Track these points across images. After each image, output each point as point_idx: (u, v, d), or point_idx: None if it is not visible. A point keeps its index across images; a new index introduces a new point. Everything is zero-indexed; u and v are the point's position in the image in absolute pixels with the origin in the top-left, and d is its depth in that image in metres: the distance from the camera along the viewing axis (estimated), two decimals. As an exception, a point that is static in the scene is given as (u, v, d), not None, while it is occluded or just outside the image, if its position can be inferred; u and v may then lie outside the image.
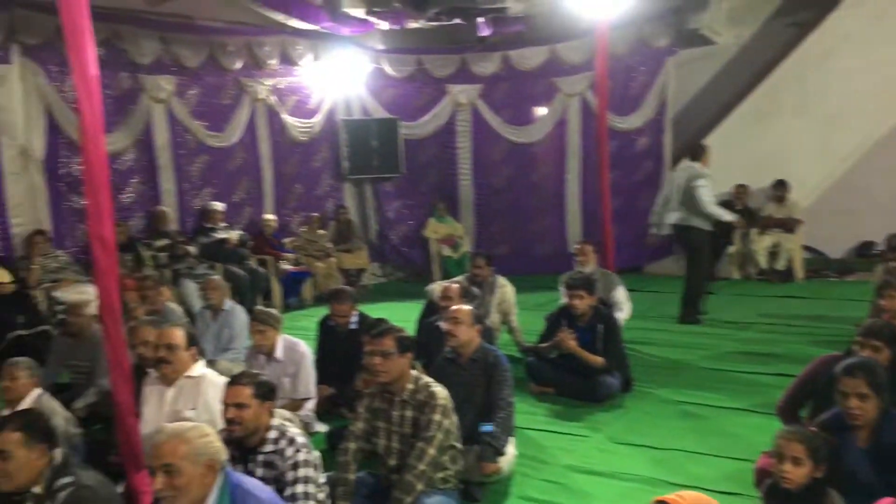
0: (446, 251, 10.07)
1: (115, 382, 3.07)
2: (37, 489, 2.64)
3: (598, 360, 5.06)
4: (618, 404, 5.05)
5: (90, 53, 2.93)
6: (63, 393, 4.65)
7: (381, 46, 10.17)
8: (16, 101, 7.28)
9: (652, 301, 7.79)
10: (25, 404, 3.57)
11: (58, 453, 2.70)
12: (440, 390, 3.38)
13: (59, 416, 3.57)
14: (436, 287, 5.95)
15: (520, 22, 9.18)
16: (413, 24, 9.06)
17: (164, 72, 8.44)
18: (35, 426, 2.67)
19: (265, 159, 9.60)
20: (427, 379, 3.46)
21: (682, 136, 9.82)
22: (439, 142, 10.64)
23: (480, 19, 8.68)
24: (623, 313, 6.02)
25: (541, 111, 10.45)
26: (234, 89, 9.19)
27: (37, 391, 3.76)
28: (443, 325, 4.35)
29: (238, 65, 9.05)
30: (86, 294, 6.03)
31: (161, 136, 8.48)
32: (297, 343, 4.72)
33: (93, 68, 2.93)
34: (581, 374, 5.11)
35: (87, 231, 7.14)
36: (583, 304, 5.17)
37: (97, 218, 2.97)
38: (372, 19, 8.83)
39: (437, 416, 3.29)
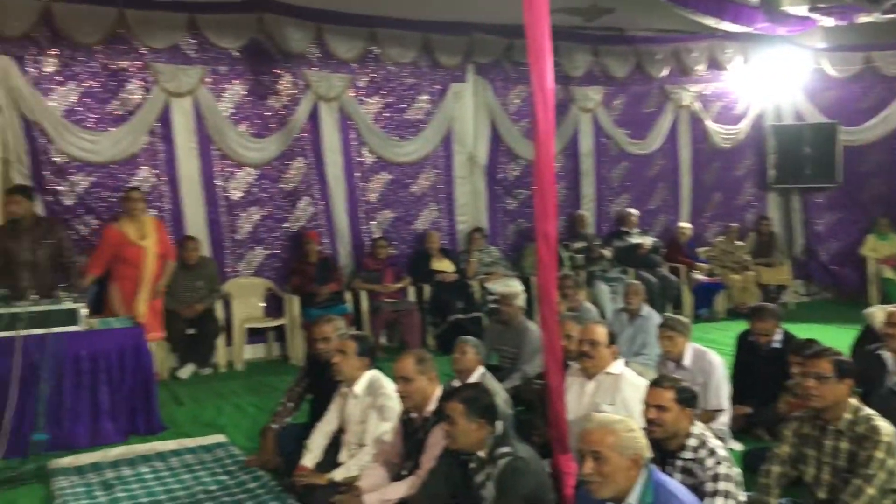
0: (888, 273, 8.83)
1: (549, 368, 3.34)
2: (481, 453, 3.01)
3: None
4: None
5: (548, 68, 3.23)
6: (493, 374, 5.20)
7: (821, 45, 9.30)
8: (468, 114, 8.35)
9: None
10: (472, 379, 4.08)
11: (499, 425, 3.04)
12: (885, 425, 3.00)
13: (499, 395, 3.99)
14: (876, 312, 5.27)
15: None
16: (864, 19, 8.12)
17: (593, 83, 8.89)
18: (477, 402, 3.02)
19: (684, 166, 9.50)
20: (869, 411, 3.09)
21: None
22: (886, 148, 9.37)
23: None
24: None
25: None
26: (658, 97, 9.28)
27: (481, 369, 4.27)
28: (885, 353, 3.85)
29: (664, 72, 9.11)
30: (514, 287, 6.63)
31: (586, 144, 8.95)
32: (706, 352, 4.59)
33: (549, 81, 3.23)
34: None
35: (534, 227, 7.93)
36: None
37: (543, 216, 3.26)
38: (815, 16, 8.13)
39: (879, 454, 2.92)
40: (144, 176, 6.86)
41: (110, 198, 6.66)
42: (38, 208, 6.01)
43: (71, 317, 4.84)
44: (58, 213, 6.39)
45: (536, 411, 4.28)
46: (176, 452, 4.57)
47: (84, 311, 4.94)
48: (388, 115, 7.95)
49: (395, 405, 3.68)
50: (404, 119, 8.02)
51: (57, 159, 6.46)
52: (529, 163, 8.41)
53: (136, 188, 6.45)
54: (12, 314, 4.64)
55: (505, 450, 2.95)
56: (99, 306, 6.03)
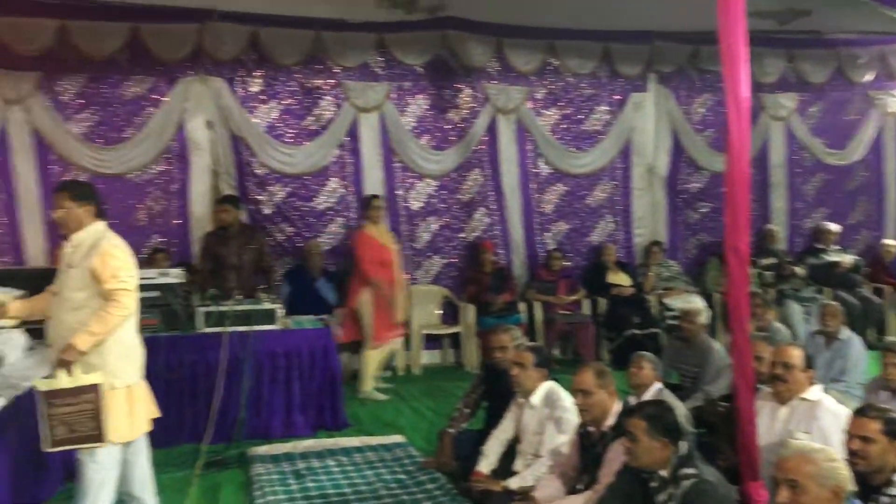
0: None
1: (739, 390, 3.19)
2: (663, 473, 2.92)
3: None
4: None
5: (743, 75, 3.10)
6: (672, 392, 5.02)
7: None
8: (648, 125, 8.14)
9: None
10: (648, 395, 3.98)
11: (683, 445, 2.93)
12: None
13: (679, 412, 3.86)
14: None
15: None
16: None
17: (787, 89, 8.37)
18: (661, 419, 2.93)
19: (890, 178, 8.71)
20: None
21: None
22: None
23: None
24: None
25: None
26: (861, 103, 8.58)
27: (658, 385, 4.15)
28: None
29: (868, 77, 8.41)
30: (695, 303, 6.37)
31: (777, 154, 8.45)
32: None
33: (744, 90, 3.09)
34: None
35: (717, 242, 7.64)
36: None
37: (734, 230, 3.12)
38: None
39: None
40: (333, 187, 7.30)
41: (303, 207, 7.15)
42: (243, 216, 6.55)
43: (269, 316, 5.25)
44: (258, 221, 6.94)
45: (721, 434, 4.08)
46: (359, 449, 4.82)
47: (280, 312, 5.33)
48: (565, 126, 7.93)
49: (572, 417, 3.66)
50: (581, 130, 7.97)
51: (259, 171, 7.03)
52: (714, 174, 8.08)
53: (377, 196, 6.72)
54: (221, 312, 5.11)
55: (690, 471, 2.84)
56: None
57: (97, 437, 3.40)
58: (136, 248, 6.53)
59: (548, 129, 7.85)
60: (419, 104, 7.49)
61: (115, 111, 6.68)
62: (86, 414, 3.36)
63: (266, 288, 5.77)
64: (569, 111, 7.92)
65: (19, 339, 4.30)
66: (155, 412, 3.75)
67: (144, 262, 6.36)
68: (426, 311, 7.39)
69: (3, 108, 6.39)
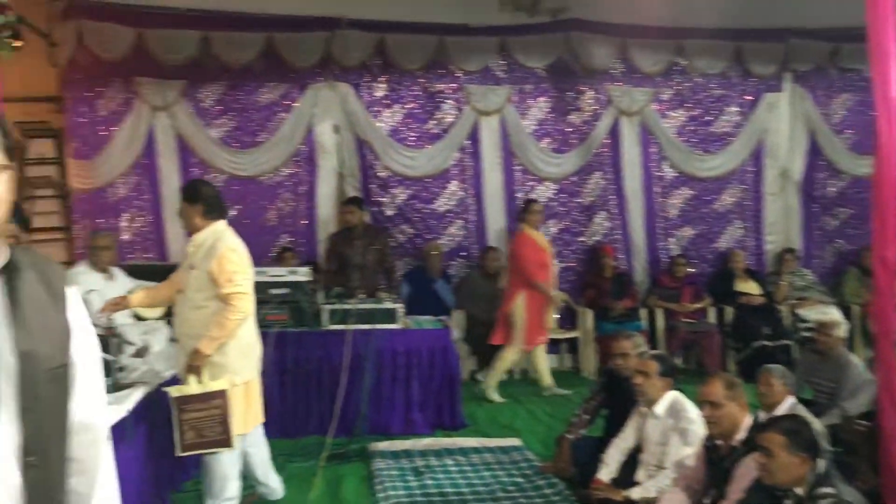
0: None
1: (883, 408, 2.99)
2: (799, 491, 2.77)
3: None
4: None
5: (893, 75, 2.90)
6: (806, 408, 4.76)
7: None
8: (783, 126, 7.76)
9: None
10: (781, 410, 3.78)
11: (821, 463, 2.77)
12: None
13: (815, 427, 3.66)
14: None
15: None
16: None
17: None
18: (800, 435, 2.78)
19: None
20: None
21: None
22: None
23: None
24: None
25: None
26: None
27: (791, 399, 3.93)
28: None
29: None
30: (832, 315, 6.02)
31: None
32: None
33: (894, 90, 2.89)
34: None
35: (857, 251, 7.22)
36: None
37: (882, 238, 2.93)
38: None
39: None
40: (453, 190, 7.38)
41: (424, 209, 7.28)
42: (367, 218, 6.75)
43: (391, 316, 5.37)
44: (380, 222, 7.12)
45: (860, 454, 3.84)
46: (476, 450, 4.85)
47: (401, 311, 5.45)
48: (691, 128, 7.69)
49: (698, 430, 3.54)
50: (710, 132, 7.70)
51: (381, 174, 7.21)
52: (854, 179, 7.61)
53: (535, 200, 6.73)
54: (345, 310, 5.29)
55: (828, 490, 2.68)
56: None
57: (225, 441, 3.54)
58: (266, 247, 6.98)
59: (673, 131, 7.63)
60: (540, 107, 7.46)
61: (250, 117, 7.03)
62: (215, 419, 3.51)
63: (387, 288, 5.91)
64: (696, 113, 7.68)
65: (163, 329, 4.60)
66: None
67: (273, 261, 6.68)
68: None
69: (151, 115, 6.86)
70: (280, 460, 4.62)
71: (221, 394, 3.53)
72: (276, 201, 7.15)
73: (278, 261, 6.64)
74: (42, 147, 6.84)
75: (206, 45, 6.69)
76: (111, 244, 5.17)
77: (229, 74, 6.89)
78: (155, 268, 5.77)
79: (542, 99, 7.46)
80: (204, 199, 3.72)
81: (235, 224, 6.57)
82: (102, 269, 4.93)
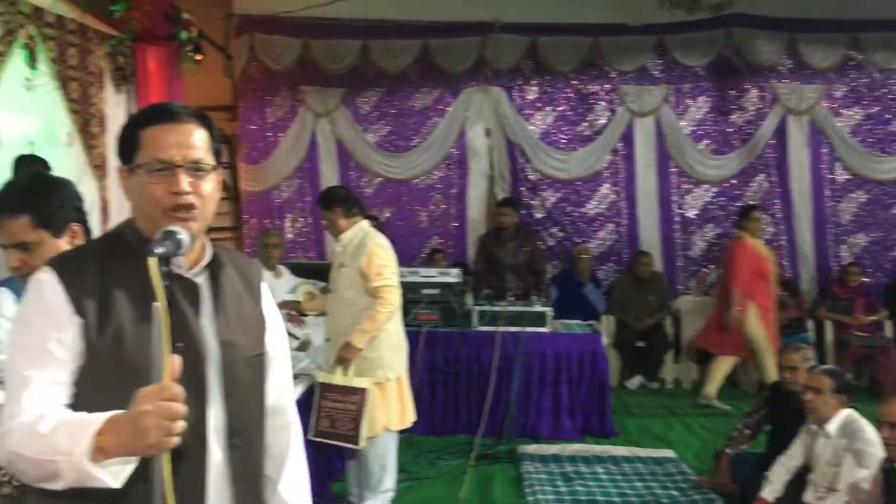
0: None
1: None
2: None
3: None
4: None
5: None
6: None
7: None
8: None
9: None
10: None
11: None
12: None
13: None
14: None
15: None
16: None
17: None
18: None
19: None
20: None
21: None
22: None
23: None
24: None
25: None
26: None
27: None
28: None
29: None
30: None
31: None
32: None
33: None
34: None
35: None
36: None
37: None
38: None
39: None
40: (604, 193, 7.25)
41: (574, 212, 7.20)
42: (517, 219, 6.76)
43: (540, 318, 5.35)
44: (529, 224, 7.11)
45: None
46: (628, 459, 4.73)
47: (550, 314, 5.41)
48: (868, 127, 7.12)
49: (876, 451, 3.27)
50: (889, 132, 7.09)
51: (532, 177, 7.20)
52: None
53: (755, 206, 6.51)
54: (494, 312, 5.32)
55: None
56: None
57: (352, 438, 3.64)
58: (418, 248, 7.17)
59: (847, 130, 7.09)
60: (699, 107, 7.17)
61: (404, 121, 7.24)
62: (349, 414, 3.63)
63: (537, 290, 5.89)
64: (874, 110, 7.09)
65: (323, 326, 4.82)
66: None
67: (424, 262, 6.84)
68: (699, 324, 7.03)
69: (313, 121, 7.23)
70: (430, 457, 4.74)
71: (361, 391, 3.64)
72: (428, 203, 7.31)
73: (429, 262, 6.80)
74: (219, 154, 7.39)
75: (366, 54, 6.97)
76: (279, 243, 5.49)
77: (386, 81, 7.13)
78: (315, 266, 6.05)
79: (701, 98, 7.16)
80: (339, 201, 3.87)
81: (388, 225, 6.91)
82: (271, 267, 5.24)
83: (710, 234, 7.21)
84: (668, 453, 4.88)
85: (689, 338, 6.90)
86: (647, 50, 7.03)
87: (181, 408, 1.18)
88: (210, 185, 1.39)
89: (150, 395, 1.17)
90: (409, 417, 3.95)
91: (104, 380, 1.30)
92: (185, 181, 1.34)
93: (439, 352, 5.25)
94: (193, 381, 1.31)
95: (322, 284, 5.10)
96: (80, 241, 1.86)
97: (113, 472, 1.19)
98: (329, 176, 7.24)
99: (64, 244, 1.83)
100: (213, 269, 1.45)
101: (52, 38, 4.74)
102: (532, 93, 7.20)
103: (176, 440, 1.18)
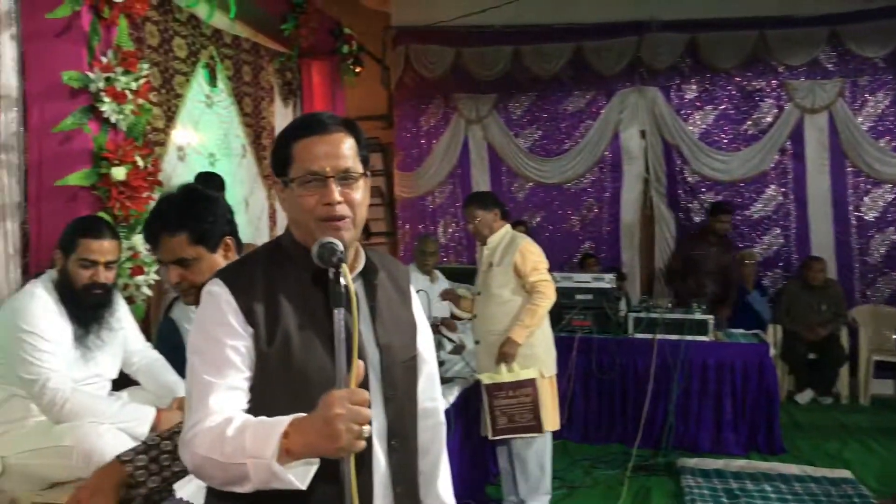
0: None
1: None
2: None
3: None
4: None
5: None
6: None
7: None
8: None
9: None
10: None
11: None
12: None
13: None
14: None
15: None
16: None
17: None
18: None
19: None
20: None
21: None
22: None
23: None
24: None
25: None
26: None
27: None
28: None
29: None
30: None
31: None
32: None
33: None
34: None
35: None
36: None
37: None
38: None
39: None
40: (770, 194, 6.85)
41: (736, 216, 6.81)
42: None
43: (701, 327, 5.12)
44: (687, 229, 6.83)
45: None
46: (799, 478, 4.41)
47: (712, 323, 5.16)
48: None
49: None
50: None
51: (690, 179, 6.92)
52: None
53: None
54: (651, 319, 5.15)
55: None
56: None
57: (535, 427, 3.72)
58: (570, 253, 7.08)
59: None
60: (878, 101, 6.62)
61: (556, 125, 7.19)
62: (525, 406, 3.70)
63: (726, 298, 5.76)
64: None
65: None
66: None
67: (576, 267, 6.74)
68: (878, 335, 6.48)
69: (465, 127, 7.33)
70: (585, 465, 4.66)
71: (531, 382, 3.70)
72: (580, 208, 7.22)
73: (580, 267, 6.69)
74: (372, 160, 7.68)
75: (518, 59, 6.99)
76: (436, 249, 5.61)
77: (538, 85, 7.12)
78: (467, 270, 6.12)
79: (880, 92, 6.61)
80: (499, 204, 3.97)
81: (538, 230, 6.88)
82: (427, 272, 5.35)
83: (893, 237, 6.63)
84: (845, 474, 4.51)
85: (869, 350, 6.36)
86: (818, 42, 6.57)
87: (369, 412, 1.21)
88: (360, 193, 1.41)
89: (340, 399, 1.20)
90: (558, 420, 3.94)
91: (272, 386, 1.34)
92: (336, 191, 1.36)
93: (593, 358, 5.15)
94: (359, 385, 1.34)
95: (474, 287, 5.15)
96: (233, 255, 1.91)
97: (298, 473, 1.22)
98: (480, 181, 7.32)
99: (219, 258, 1.88)
100: (368, 274, 1.48)
101: (230, 57, 5.11)
102: (691, 92, 6.93)
103: (363, 443, 1.21)
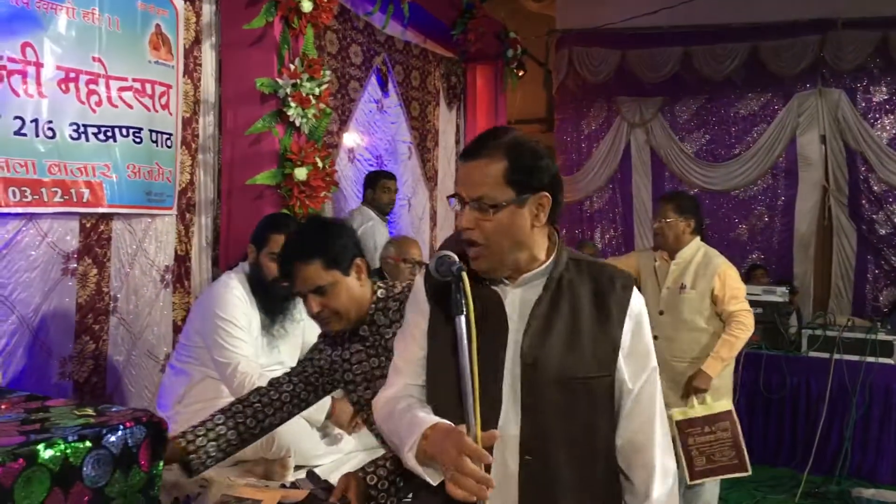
0: None
1: None
2: None
3: None
4: None
5: None
6: None
7: None
8: None
9: None
10: None
11: None
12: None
13: None
14: None
15: None
16: None
17: None
18: None
19: None
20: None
21: None
22: None
23: None
24: None
25: None
26: None
27: None
28: None
29: None
30: None
31: None
32: None
33: None
34: None
35: None
36: None
37: None
38: None
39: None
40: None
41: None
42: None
43: (887, 348, 4.71)
44: (871, 242, 6.32)
45: None
46: None
47: (900, 345, 4.74)
48: None
49: None
50: None
51: (876, 188, 6.40)
52: None
53: None
54: (828, 337, 4.79)
55: None
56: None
57: (739, 465, 3.33)
58: (735, 263, 6.67)
59: None
60: None
61: (726, 129, 6.89)
62: (725, 443, 3.33)
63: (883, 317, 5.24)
64: None
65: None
66: None
67: (742, 279, 6.39)
68: None
69: (628, 131, 7.17)
70: (750, 487, 4.43)
71: (728, 415, 3.38)
72: (749, 216, 6.86)
73: (748, 278, 6.34)
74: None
75: (687, 60, 6.74)
76: (595, 255, 5.54)
77: (708, 87, 6.84)
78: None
79: None
80: (696, 214, 3.57)
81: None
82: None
83: None
84: None
85: None
86: None
87: (486, 493, 1.27)
88: (493, 224, 1.38)
89: (459, 457, 1.28)
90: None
91: (426, 374, 1.50)
92: (465, 217, 1.40)
93: (762, 376, 4.87)
94: (491, 392, 1.38)
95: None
96: (365, 277, 1.91)
97: (430, 472, 1.34)
98: (641, 187, 7.15)
99: (353, 281, 1.86)
100: (550, 282, 1.45)
101: (400, 62, 5.30)
102: (880, 94, 6.42)
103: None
